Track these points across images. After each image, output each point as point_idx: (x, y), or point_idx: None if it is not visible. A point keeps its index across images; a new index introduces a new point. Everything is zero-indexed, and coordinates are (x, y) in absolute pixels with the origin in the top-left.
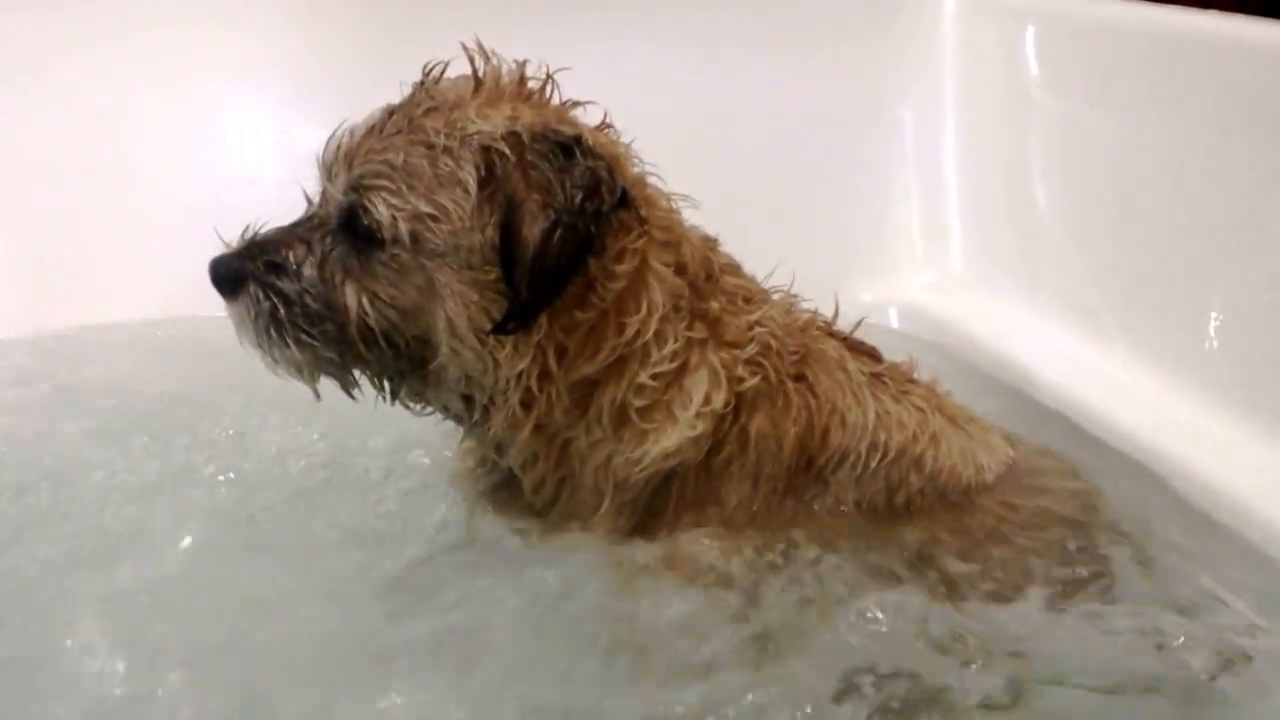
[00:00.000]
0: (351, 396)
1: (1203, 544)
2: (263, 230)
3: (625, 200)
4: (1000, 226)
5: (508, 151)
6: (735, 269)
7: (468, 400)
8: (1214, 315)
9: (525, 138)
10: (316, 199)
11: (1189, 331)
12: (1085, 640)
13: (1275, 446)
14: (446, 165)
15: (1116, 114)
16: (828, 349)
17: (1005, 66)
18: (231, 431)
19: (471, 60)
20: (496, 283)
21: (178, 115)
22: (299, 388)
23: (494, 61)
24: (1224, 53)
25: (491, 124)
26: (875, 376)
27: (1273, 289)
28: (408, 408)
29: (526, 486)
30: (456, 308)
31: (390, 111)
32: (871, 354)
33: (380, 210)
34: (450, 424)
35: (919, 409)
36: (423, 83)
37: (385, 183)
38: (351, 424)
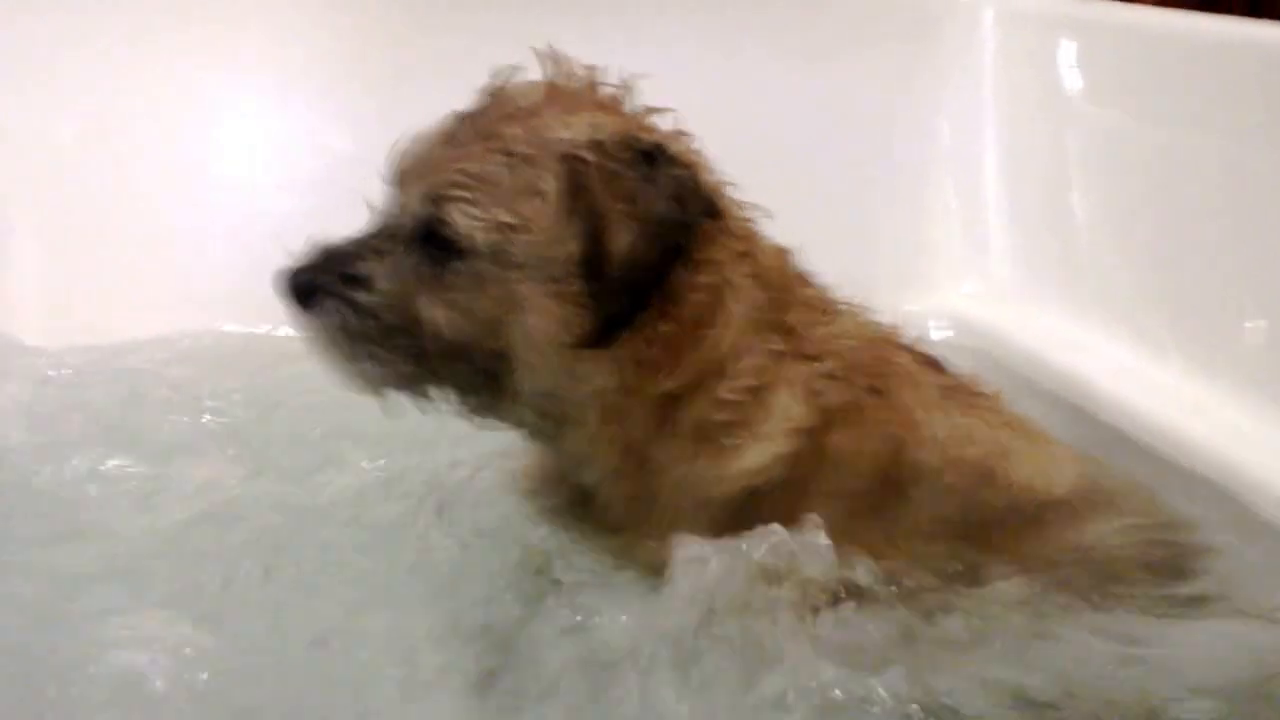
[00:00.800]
0: (424, 412)
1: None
2: (331, 241)
3: (713, 210)
4: (1042, 236)
5: (591, 160)
6: (808, 280)
7: (545, 415)
8: (1262, 321)
9: (608, 146)
10: (385, 208)
11: (1237, 338)
12: (1185, 658)
13: None
14: (527, 174)
15: (1157, 121)
16: (901, 361)
17: (1044, 75)
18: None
19: (545, 65)
20: (578, 295)
21: (193, 119)
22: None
23: (566, 66)
24: (1266, 59)
25: (573, 131)
26: (946, 389)
27: None
28: (479, 423)
29: (602, 503)
30: (537, 321)
31: (462, 118)
32: (938, 366)
33: (460, 221)
34: (514, 439)
35: (992, 422)
36: (492, 87)
37: (464, 193)
38: (409, 442)
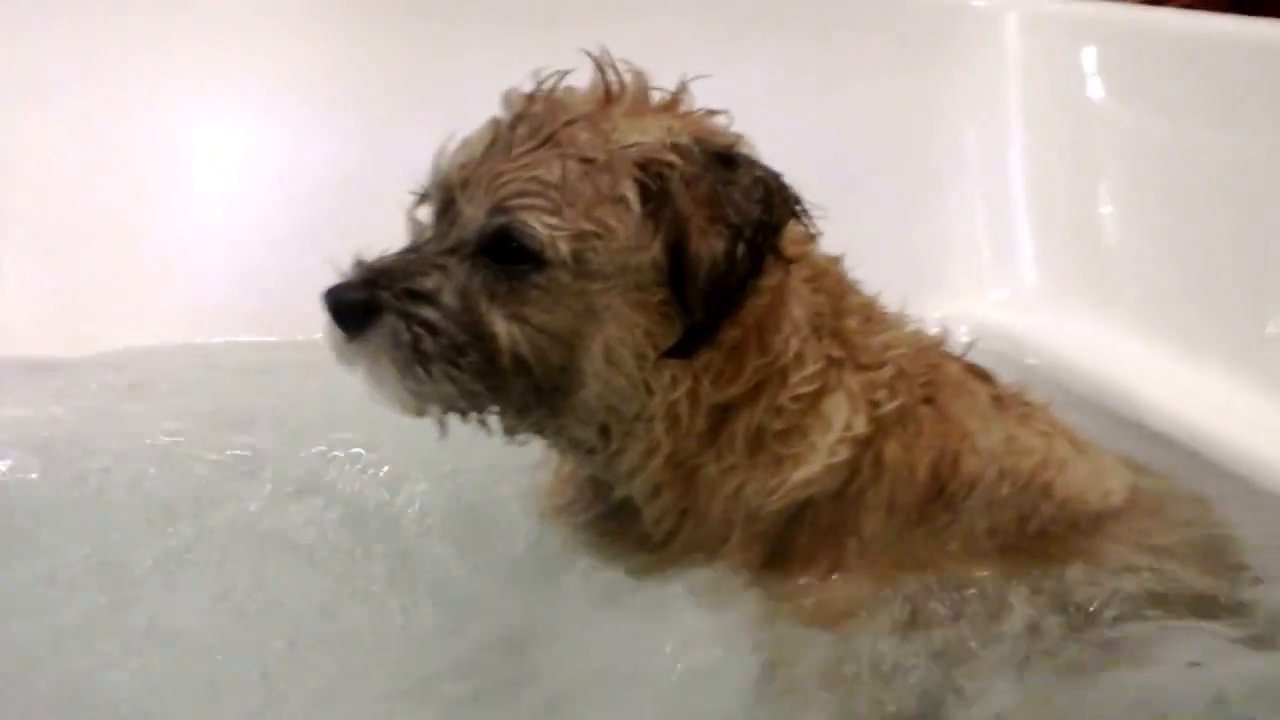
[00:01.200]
0: (477, 433)
1: None
2: (382, 257)
3: (797, 211)
4: (1070, 241)
5: (672, 163)
6: (857, 287)
7: (603, 430)
8: None
9: (685, 149)
10: (435, 220)
11: (1268, 337)
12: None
13: None
14: (605, 181)
15: (1182, 124)
16: (952, 370)
17: (1069, 81)
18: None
19: (602, 69)
20: (662, 304)
21: (181, 131)
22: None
23: (620, 70)
24: None
25: (648, 135)
26: (996, 399)
27: None
28: (520, 441)
29: (648, 518)
30: (620, 332)
31: (512, 125)
32: (987, 376)
33: (538, 230)
34: (535, 454)
35: (1043, 432)
36: (537, 93)
37: (540, 200)
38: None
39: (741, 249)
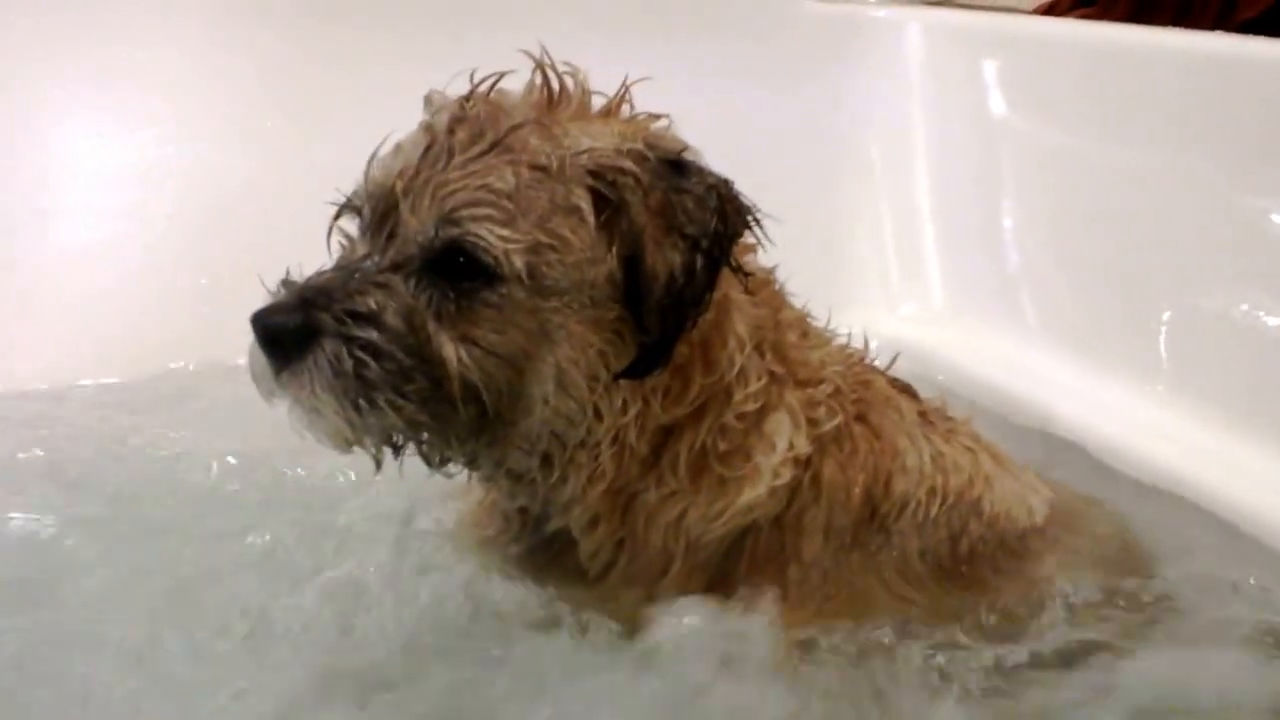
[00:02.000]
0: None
1: (1229, 563)
2: (314, 276)
3: (750, 221)
4: (978, 255)
5: (627, 170)
6: (790, 300)
7: (546, 459)
8: (1196, 327)
9: (640, 156)
10: (369, 234)
11: (1174, 348)
12: (1171, 684)
13: (1274, 453)
14: (558, 189)
15: (1082, 135)
16: (881, 386)
17: (971, 92)
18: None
19: (544, 71)
20: (616, 322)
21: (76, 144)
22: None
23: (561, 71)
24: (1191, 68)
25: (601, 142)
26: (923, 415)
27: (1256, 294)
28: (448, 472)
29: (585, 551)
30: (573, 353)
31: (449, 129)
32: (912, 392)
33: (491, 242)
34: (448, 483)
35: (968, 449)
36: (472, 94)
37: (491, 210)
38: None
39: (700, 261)
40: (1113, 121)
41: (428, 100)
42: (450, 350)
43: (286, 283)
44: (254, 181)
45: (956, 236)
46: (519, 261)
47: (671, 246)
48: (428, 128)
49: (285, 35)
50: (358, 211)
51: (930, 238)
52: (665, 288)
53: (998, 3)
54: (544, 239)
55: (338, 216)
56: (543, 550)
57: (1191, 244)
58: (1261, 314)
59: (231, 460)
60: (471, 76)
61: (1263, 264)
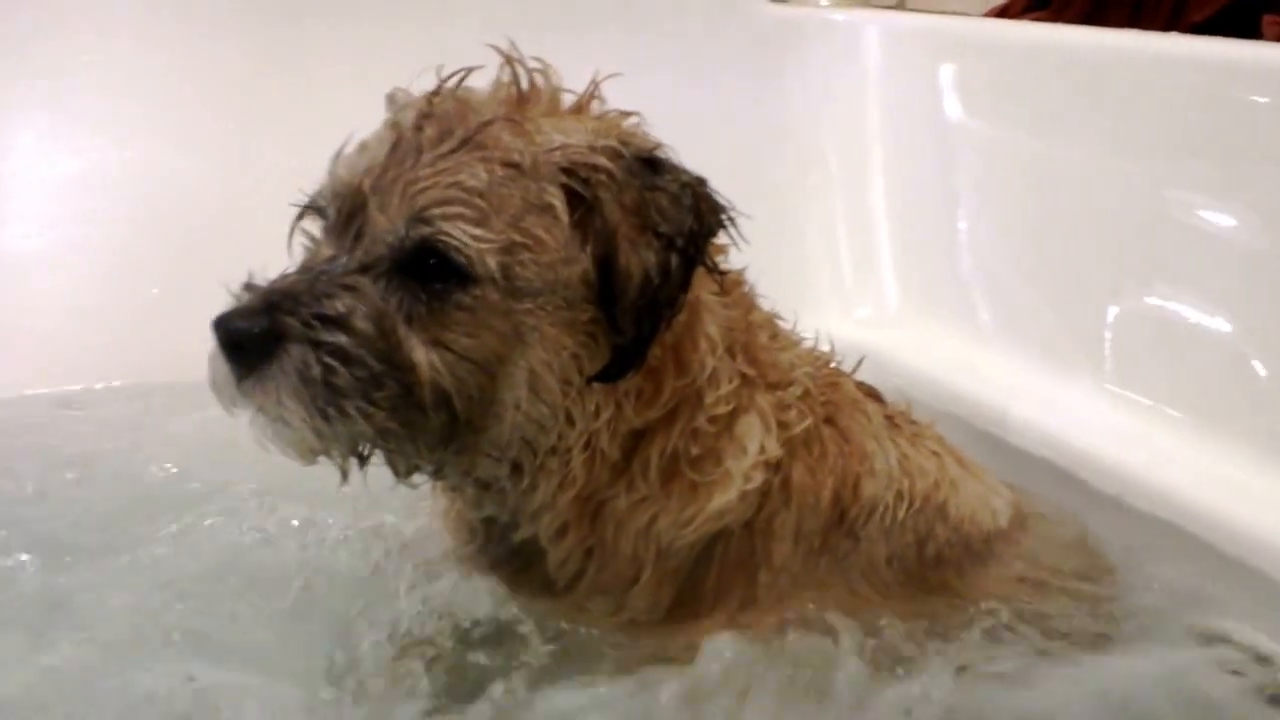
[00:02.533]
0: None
1: (1183, 566)
2: (278, 279)
3: (725, 220)
4: (933, 258)
5: (600, 167)
6: (759, 302)
7: (516, 467)
8: (1154, 329)
9: (614, 153)
10: (335, 235)
11: (1131, 348)
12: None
13: (1223, 453)
14: (531, 187)
15: (1040, 137)
16: (848, 389)
17: (928, 97)
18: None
19: (513, 65)
20: (589, 324)
21: None
22: None
23: (531, 68)
24: (1146, 70)
25: (573, 138)
26: (889, 419)
27: (1207, 295)
28: (412, 483)
29: (554, 560)
30: (547, 356)
31: (416, 125)
32: (878, 395)
33: (465, 242)
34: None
35: (934, 453)
36: (439, 90)
37: (463, 209)
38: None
39: (675, 261)
40: (1068, 124)
41: (391, 98)
42: (421, 355)
43: (249, 286)
44: (207, 186)
45: (912, 239)
46: (492, 262)
47: (646, 245)
48: (394, 125)
49: (239, 35)
50: (321, 212)
51: (886, 241)
52: (640, 288)
53: (949, 6)
54: (518, 238)
55: (300, 217)
56: (509, 561)
57: (1146, 245)
58: (1208, 313)
59: (172, 468)
60: (438, 72)
61: (1209, 266)
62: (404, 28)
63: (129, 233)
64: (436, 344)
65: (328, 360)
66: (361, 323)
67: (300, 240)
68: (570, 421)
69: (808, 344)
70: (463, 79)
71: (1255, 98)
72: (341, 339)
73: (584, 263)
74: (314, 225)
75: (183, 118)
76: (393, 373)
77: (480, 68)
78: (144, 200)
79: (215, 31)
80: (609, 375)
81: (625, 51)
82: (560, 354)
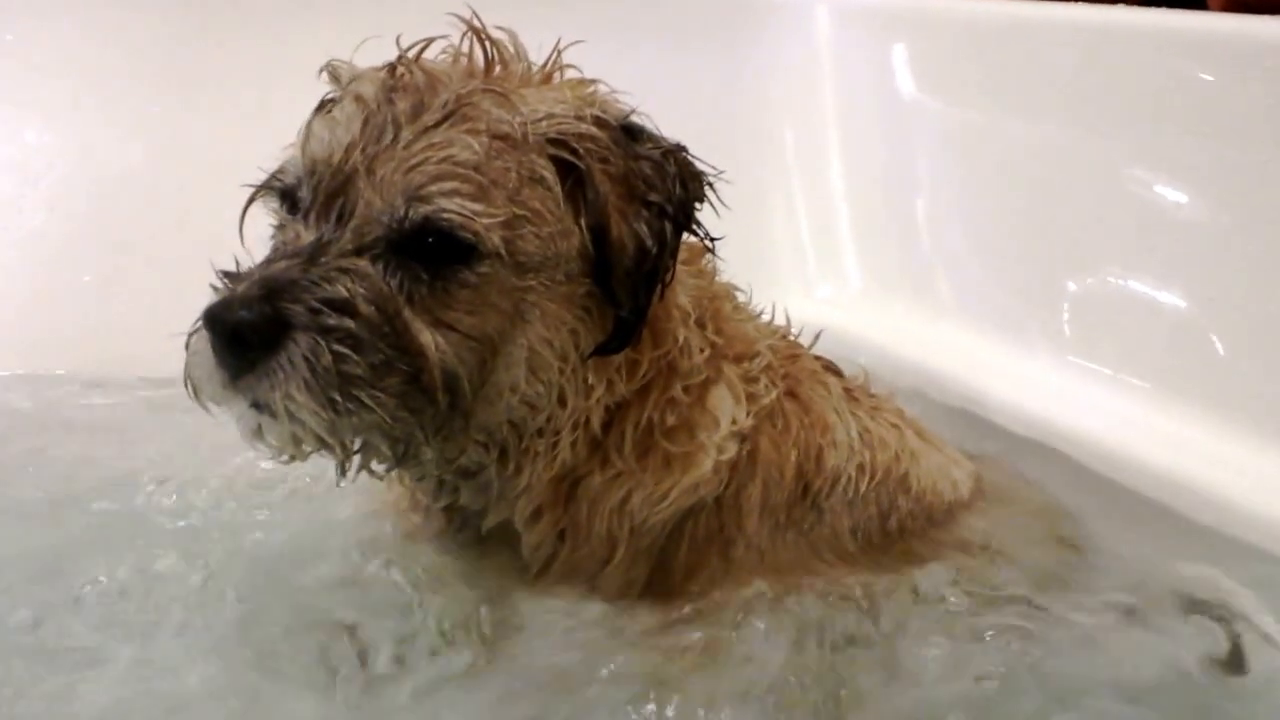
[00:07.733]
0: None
1: (1146, 532)
2: (261, 265)
3: (707, 187)
4: (893, 236)
5: (586, 136)
6: (717, 272)
7: (503, 452)
8: (1109, 299)
9: (601, 122)
10: (320, 216)
11: (1090, 322)
12: (1105, 652)
13: (1191, 420)
14: (522, 159)
15: (994, 113)
16: (807, 361)
17: (882, 75)
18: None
19: (479, 35)
20: (585, 297)
21: None
22: None
23: (495, 38)
24: (1098, 43)
25: (559, 108)
26: (848, 392)
27: (1164, 268)
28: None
29: (528, 545)
30: (546, 333)
31: (386, 99)
32: (836, 369)
33: (468, 218)
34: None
35: (893, 425)
36: (401, 61)
37: (461, 185)
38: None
39: (668, 229)
40: (1022, 99)
41: (333, 72)
42: (428, 337)
43: (232, 275)
44: (140, 170)
45: (871, 218)
46: (496, 237)
47: (636, 215)
48: (357, 98)
49: (171, 14)
50: (288, 193)
51: (845, 220)
52: (635, 257)
53: None
54: (518, 211)
55: (251, 200)
56: (474, 546)
57: (1100, 220)
58: (1165, 286)
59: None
60: (398, 41)
61: (1165, 238)
62: (347, 5)
63: (59, 220)
64: (440, 325)
65: (337, 348)
66: (365, 307)
67: (257, 224)
68: (562, 401)
69: (765, 318)
70: (424, 49)
71: (1203, 74)
72: (350, 324)
73: (578, 235)
74: (268, 207)
75: (115, 101)
76: (402, 357)
77: (444, 37)
78: (75, 186)
79: (147, 11)
80: (609, 348)
81: (570, 32)
82: (560, 330)
